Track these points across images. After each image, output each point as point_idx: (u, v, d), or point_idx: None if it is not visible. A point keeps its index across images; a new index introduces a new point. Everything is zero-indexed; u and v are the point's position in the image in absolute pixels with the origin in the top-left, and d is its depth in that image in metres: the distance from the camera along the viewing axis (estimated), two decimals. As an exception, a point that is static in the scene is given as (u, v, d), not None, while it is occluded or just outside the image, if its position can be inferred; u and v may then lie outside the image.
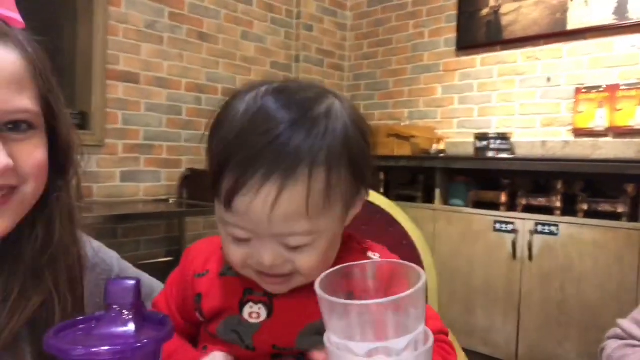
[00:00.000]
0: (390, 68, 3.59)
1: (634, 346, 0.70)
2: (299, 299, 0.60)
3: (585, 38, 2.72)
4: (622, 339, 0.73)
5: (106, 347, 0.40)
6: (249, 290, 0.61)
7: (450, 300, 2.60)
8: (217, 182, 0.53)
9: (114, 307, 0.44)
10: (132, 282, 0.44)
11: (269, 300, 0.60)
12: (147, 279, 0.74)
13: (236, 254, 0.56)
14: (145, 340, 0.41)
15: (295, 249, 0.54)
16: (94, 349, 0.39)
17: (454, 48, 3.24)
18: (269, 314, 0.60)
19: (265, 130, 0.50)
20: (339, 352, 0.39)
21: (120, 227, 2.67)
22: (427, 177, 2.88)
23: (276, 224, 0.51)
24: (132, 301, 0.44)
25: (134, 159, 2.74)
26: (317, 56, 3.64)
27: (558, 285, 2.28)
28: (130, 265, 0.75)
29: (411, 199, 2.90)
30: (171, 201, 2.81)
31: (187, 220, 2.93)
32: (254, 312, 0.60)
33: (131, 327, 0.43)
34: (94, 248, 0.69)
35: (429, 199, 2.81)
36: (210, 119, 0.56)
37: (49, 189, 0.59)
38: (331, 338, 0.40)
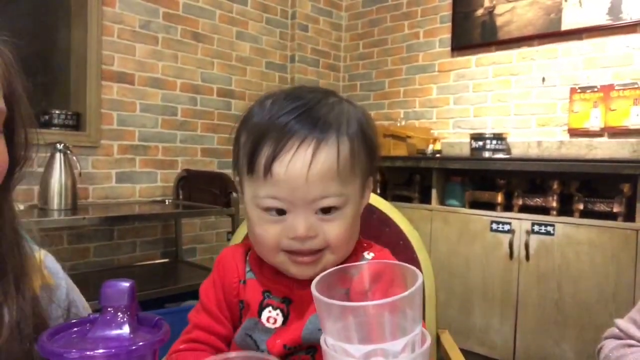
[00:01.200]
0: (386, 68, 3.59)
1: (632, 346, 0.70)
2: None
3: (579, 38, 2.73)
4: (619, 338, 0.73)
5: (100, 351, 0.39)
6: (267, 293, 0.63)
7: (447, 300, 2.60)
8: (253, 158, 0.57)
9: (109, 309, 0.44)
10: (127, 284, 0.44)
11: (286, 308, 0.62)
12: (82, 302, 0.69)
13: (269, 233, 0.58)
14: (141, 343, 0.41)
15: (327, 215, 0.57)
16: (88, 352, 0.39)
17: (448, 48, 3.24)
18: (285, 321, 0.62)
19: (295, 107, 0.57)
20: (335, 355, 0.39)
21: (116, 228, 2.66)
22: (423, 177, 2.88)
23: (312, 184, 0.55)
24: (127, 303, 0.44)
25: (130, 160, 2.73)
26: (313, 56, 3.63)
27: (555, 284, 2.28)
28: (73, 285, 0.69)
29: (408, 199, 2.90)
30: (167, 202, 2.79)
31: (183, 221, 2.92)
32: (272, 317, 0.63)
33: (126, 329, 0.43)
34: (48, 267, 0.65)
35: (425, 199, 2.81)
36: (235, 122, 0.63)
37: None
38: (327, 340, 0.40)
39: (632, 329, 0.71)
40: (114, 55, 2.63)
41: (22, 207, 2.13)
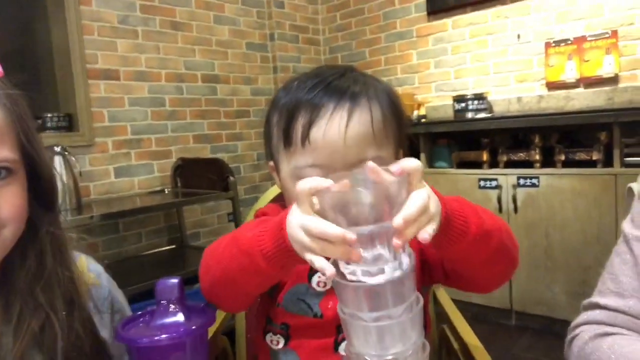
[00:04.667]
0: (365, 38, 3.63)
1: (607, 334, 0.63)
2: None
3: (551, -8, 2.79)
4: (597, 323, 0.67)
5: (165, 335, 0.49)
6: None
7: (443, 257, 2.73)
8: (289, 132, 0.60)
9: (162, 302, 0.53)
10: (175, 280, 0.54)
11: None
12: (122, 297, 0.76)
13: None
14: (195, 327, 0.51)
15: None
16: (156, 338, 0.49)
17: (424, 13, 3.28)
18: None
19: (322, 79, 0.61)
20: (351, 320, 0.48)
21: (120, 222, 2.74)
22: (411, 142, 2.95)
23: (350, 147, 0.58)
24: (178, 296, 0.53)
25: (125, 154, 2.79)
26: (292, 33, 3.65)
27: (543, 233, 2.42)
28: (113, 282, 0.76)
29: (397, 165, 2.99)
30: (166, 191, 2.87)
31: (184, 208, 3.00)
32: (321, 282, 0.67)
33: (180, 317, 0.53)
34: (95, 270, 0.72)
35: (414, 163, 2.91)
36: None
37: (37, 223, 0.60)
38: (344, 309, 0.50)
39: (612, 301, 0.66)
40: (97, 53, 2.65)
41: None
